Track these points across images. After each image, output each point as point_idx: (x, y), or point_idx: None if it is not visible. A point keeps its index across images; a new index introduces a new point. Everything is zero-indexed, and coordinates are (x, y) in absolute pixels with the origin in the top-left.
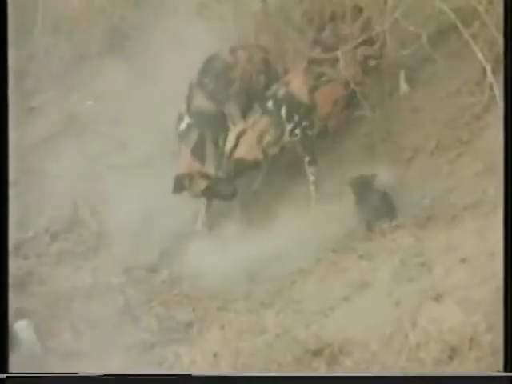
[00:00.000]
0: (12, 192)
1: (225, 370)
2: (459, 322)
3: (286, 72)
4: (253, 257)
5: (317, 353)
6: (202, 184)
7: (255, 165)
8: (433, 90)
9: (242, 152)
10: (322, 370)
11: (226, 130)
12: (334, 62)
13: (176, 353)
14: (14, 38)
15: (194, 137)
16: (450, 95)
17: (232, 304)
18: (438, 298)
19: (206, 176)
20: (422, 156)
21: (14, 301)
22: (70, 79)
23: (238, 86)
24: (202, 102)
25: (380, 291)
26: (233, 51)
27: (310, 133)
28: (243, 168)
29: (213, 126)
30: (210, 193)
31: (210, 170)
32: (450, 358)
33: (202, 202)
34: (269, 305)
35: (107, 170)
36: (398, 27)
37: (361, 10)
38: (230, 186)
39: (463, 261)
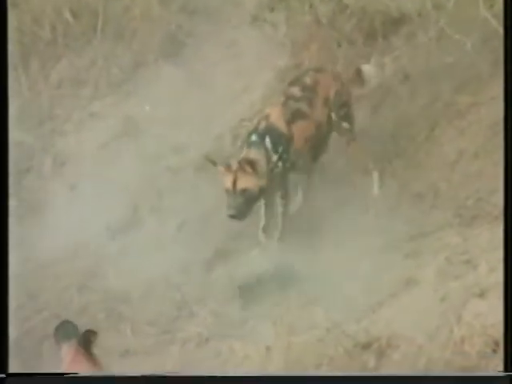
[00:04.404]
0: (71, 195)
1: (277, 364)
2: (502, 317)
3: None
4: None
5: (366, 346)
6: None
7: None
8: (476, 95)
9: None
10: (371, 364)
11: None
12: (310, 100)
13: (230, 347)
14: (74, 45)
15: None
16: (494, 99)
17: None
18: (482, 294)
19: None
20: (466, 158)
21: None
22: (128, 85)
23: None
24: None
25: (426, 288)
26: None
27: (287, 165)
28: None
29: None
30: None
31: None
32: (494, 351)
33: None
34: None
35: (164, 171)
36: (443, 35)
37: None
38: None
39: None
